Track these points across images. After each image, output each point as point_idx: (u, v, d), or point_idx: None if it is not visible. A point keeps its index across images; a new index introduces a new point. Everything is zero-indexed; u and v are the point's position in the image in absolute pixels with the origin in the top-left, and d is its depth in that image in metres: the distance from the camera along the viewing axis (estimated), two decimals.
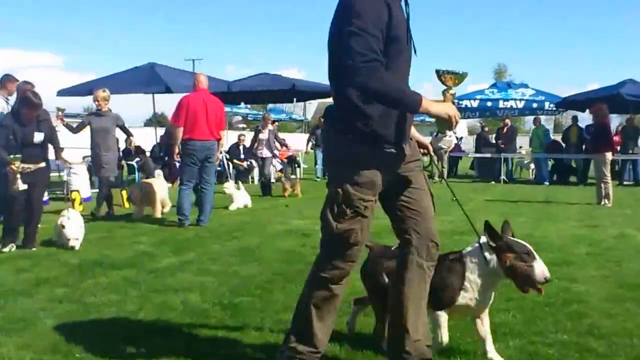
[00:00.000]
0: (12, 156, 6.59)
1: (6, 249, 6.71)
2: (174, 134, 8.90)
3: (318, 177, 18.32)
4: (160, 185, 10.05)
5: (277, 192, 13.50)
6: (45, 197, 10.77)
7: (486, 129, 22.01)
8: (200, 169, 8.81)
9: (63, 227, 6.85)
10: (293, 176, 15.95)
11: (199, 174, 8.85)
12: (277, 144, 15.83)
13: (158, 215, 9.63)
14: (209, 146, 8.74)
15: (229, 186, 11.15)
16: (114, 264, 6.12)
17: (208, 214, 8.89)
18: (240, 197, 11.13)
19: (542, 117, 21.50)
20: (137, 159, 15.62)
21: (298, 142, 25.08)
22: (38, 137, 6.96)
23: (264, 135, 14.69)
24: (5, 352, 3.62)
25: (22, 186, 6.69)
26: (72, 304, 4.68)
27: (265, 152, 14.54)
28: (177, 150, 8.98)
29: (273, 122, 22.83)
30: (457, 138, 18.75)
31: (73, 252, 6.73)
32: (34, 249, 6.86)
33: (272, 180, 15.37)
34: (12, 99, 8.86)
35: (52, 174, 13.51)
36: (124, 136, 10.83)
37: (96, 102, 9.70)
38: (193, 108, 8.66)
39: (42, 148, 7.11)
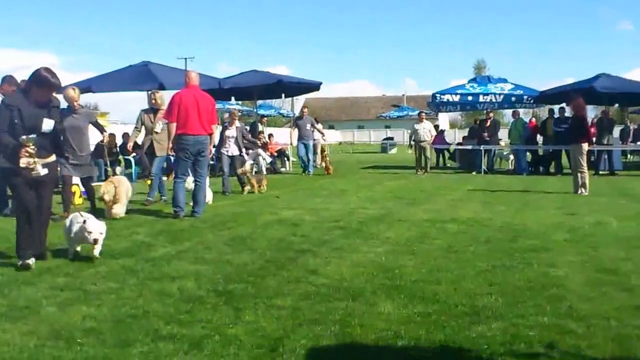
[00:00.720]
0: (25, 137, 5.54)
1: (30, 261, 5.63)
2: (168, 130, 9.03)
3: (310, 172, 18.18)
4: (123, 182, 9.41)
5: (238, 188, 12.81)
6: None
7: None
8: (193, 163, 9.01)
9: (84, 223, 5.92)
10: (259, 169, 15.54)
11: (193, 168, 9.04)
12: (246, 141, 14.19)
13: (121, 212, 8.93)
14: (201, 140, 8.89)
15: (189, 181, 10.81)
16: (112, 253, 6.24)
17: (202, 206, 9.08)
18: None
19: (521, 110, 21.83)
20: (134, 154, 15.70)
21: (286, 136, 25.17)
22: (47, 124, 5.81)
23: (231, 132, 13.30)
24: (9, 338, 3.75)
25: (42, 171, 5.70)
26: (73, 291, 4.81)
27: (232, 150, 13.18)
28: (171, 145, 9.09)
29: (262, 117, 22.90)
30: (436, 130, 19.06)
31: None
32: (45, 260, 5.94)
33: (264, 172, 15.35)
34: None
35: None
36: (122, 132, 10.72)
37: (68, 101, 9.19)
38: (185, 104, 8.80)
39: (51, 138, 5.96)
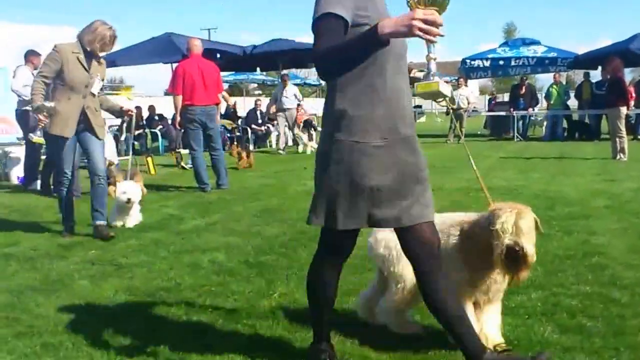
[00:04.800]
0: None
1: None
2: (174, 103, 8.85)
3: None
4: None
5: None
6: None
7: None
8: (205, 137, 8.82)
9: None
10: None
11: (207, 143, 8.87)
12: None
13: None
14: (208, 111, 8.70)
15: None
16: (143, 226, 6.25)
17: (225, 177, 8.96)
18: None
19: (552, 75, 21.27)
20: (160, 126, 15.74)
21: (313, 106, 25.01)
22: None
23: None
24: (43, 312, 3.74)
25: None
26: (104, 265, 4.80)
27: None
28: (178, 119, 8.95)
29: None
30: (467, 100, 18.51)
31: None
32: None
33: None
34: None
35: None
36: (147, 104, 10.75)
37: None
38: (189, 74, 8.61)
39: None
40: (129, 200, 6.17)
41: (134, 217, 6.38)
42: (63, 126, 5.56)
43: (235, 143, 14.30)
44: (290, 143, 16.81)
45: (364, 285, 4.07)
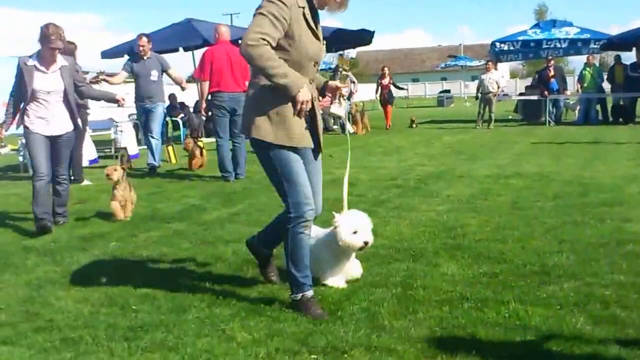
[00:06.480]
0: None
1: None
2: (201, 89, 8.79)
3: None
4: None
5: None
6: (95, 155, 11.01)
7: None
8: (230, 123, 8.72)
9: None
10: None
11: (230, 129, 8.77)
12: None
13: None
14: (236, 97, 8.56)
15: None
16: (164, 217, 6.22)
17: (244, 167, 8.87)
18: None
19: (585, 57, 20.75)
20: (182, 114, 15.69)
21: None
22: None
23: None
24: (63, 305, 3.73)
25: None
26: (125, 257, 4.78)
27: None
28: (204, 105, 8.89)
29: None
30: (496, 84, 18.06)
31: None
32: None
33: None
34: None
35: (99, 133, 13.83)
36: (168, 92, 10.77)
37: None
38: (218, 60, 8.53)
39: None
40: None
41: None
42: None
43: (188, 134, 13.69)
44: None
45: (390, 277, 3.98)
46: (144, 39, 9.65)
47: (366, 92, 26.60)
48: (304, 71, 3.42)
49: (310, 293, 3.50)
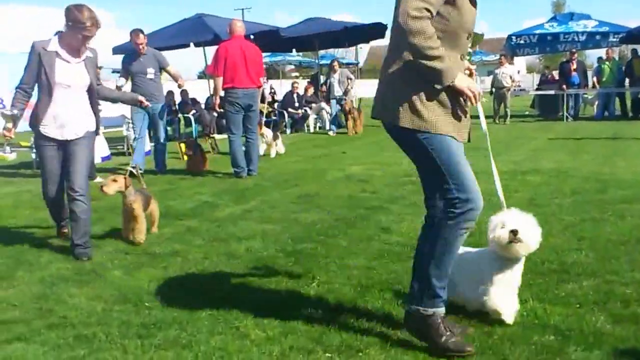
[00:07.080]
0: None
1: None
2: (215, 85, 8.69)
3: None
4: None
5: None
6: (107, 152, 10.99)
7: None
8: (243, 118, 8.60)
9: None
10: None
11: (243, 124, 8.64)
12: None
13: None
14: (251, 94, 8.50)
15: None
16: (177, 214, 6.18)
17: (256, 163, 8.80)
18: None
19: (603, 51, 20.48)
20: (194, 111, 15.68)
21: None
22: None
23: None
24: (77, 302, 3.71)
25: None
26: (138, 255, 4.75)
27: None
28: (217, 101, 8.78)
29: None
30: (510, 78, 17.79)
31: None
32: None
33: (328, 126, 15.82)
34: None
35: (113, 130, 13.83)
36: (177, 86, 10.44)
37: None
38: (232, 56, 8.42)
39: None
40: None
41: None
42: None
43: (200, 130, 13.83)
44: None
45: (405, 274, 3.92)
46: (141, 35, 9.05)
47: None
48: (459, 44, 2.88)
49: (443, 311, 2.92)
